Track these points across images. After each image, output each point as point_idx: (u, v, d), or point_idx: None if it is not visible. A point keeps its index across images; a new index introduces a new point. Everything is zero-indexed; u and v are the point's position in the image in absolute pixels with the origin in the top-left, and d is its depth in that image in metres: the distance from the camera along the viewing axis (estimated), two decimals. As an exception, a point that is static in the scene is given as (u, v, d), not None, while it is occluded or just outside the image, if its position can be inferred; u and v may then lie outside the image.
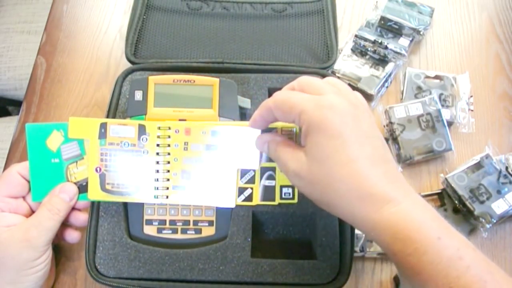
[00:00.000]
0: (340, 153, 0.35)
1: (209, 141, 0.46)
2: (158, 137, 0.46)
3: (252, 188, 0.46)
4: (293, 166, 0.38)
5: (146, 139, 0.46)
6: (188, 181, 0.46)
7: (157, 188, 0.46)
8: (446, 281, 0.32)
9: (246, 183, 0.46)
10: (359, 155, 0.35)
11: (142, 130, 0.46)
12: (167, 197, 0.46)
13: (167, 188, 0.46)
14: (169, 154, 0.46)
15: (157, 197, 0.46)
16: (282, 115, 0.38)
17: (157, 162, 0.46)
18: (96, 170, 0.46)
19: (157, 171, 0.46)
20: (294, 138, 0.45)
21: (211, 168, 0.46)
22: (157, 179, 0.46)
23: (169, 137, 0.46)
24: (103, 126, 0.45)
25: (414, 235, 0.33)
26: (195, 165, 0.46)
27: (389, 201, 0.34)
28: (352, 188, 0.35)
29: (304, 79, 0.39)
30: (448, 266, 0.32)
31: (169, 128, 0.46)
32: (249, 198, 0.46)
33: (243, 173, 0.46)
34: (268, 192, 0.46)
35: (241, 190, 0.46)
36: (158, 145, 0.46)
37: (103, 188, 0.46)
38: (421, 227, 0.33)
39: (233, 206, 0.46)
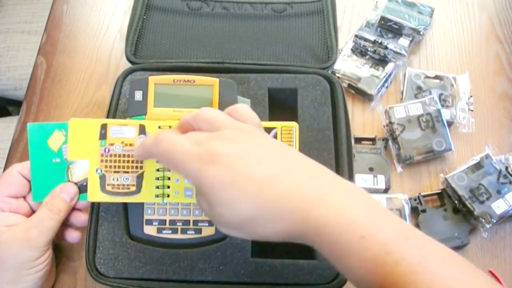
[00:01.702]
0: (242, 193, 0.33)
1: None
2: None
3: None
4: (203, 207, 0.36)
5: None
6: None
7: (158, 188, 0.46)
8: (376, 281, 0.30)
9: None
10: (260, 182, 0.33)
11: (142, 130, 0.46)
12: (168, 196, 0.46)
13: (168, 187, 0.46)
14: None
15: (158, 197, 0.46)
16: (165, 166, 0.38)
17: (157, 161, 0.46)
18: (97, 171, 0.46)
19: (158, 170, 0.46)
20: (293, 138, 0.45)
21: None
22: (158, 178, 0.46)
23: None
24: (103, 127, 0.45)
25: (336, 238, 0.32)
26: None
27: (309, 209, 0.32)
28: (271, 216, 0.33)
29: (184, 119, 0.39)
30: (375, 265, 0.30)
31: (169, 127, 0.46)
32: None
33: None
34: None
35: None
36: None
37: (103, 189, 0.46)
38: (344, 227, 0.31)
39: None
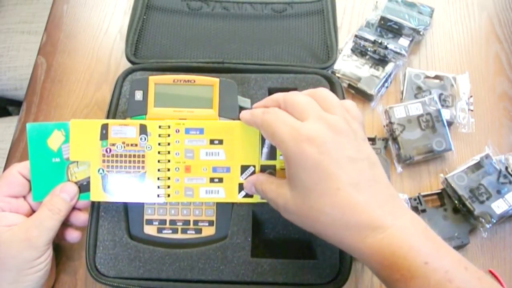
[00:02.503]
0: (321, 185, 0.34)
1: (209, 138, 0.46)
2: (159, 136, 0.46)
3: None
4: (280, 202, 0.38)
5: (147, 138, 0.46)
6: (189, 178, 0.46)
7: (159, 187, 0.46)
8: None
9: (246, 178, 0.46)
10: (341, 185, 0.34)
11: (143, 130, 0.46)
12: (168, 195, 0.46)
13: (169, 187, 0.46)
14: (169, 152, 0.46)
15: (159, 196, 0.46)
16: (266, 137, 0.39)
17: (158, 161, 0.46)
18: (99, 172, 0.46)
19: (158, 170, 0.46)
20: None
21: (212, 165, 0.46)
22: (159, 178, 0.46)
23: (169, 135, 0.46)
24: (104, 127, 0.45)
25: (400, 261, 0.33)
26: (195, 162, 0.46)
27: (375, 228, 0.34)
28: (337, 218, 0.34)
29: (290, 99, 0.39)
30: None
31: (169, 127, 0.46)
32: (249, 194, 0.46)
33: (243, 169, 0.46)
34: None
35: (241, 187, 0.46)
36: (159, 144, 0.46)
37: (105, 189, 0.46)
38: (408, 252, 0.33)
39: (234, 200, 0.46)
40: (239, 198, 0.46)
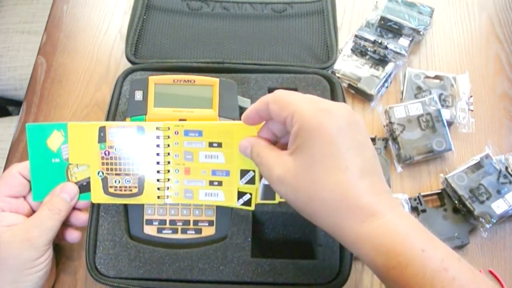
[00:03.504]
0: (330, 161, 0.34)
1: (208, 141, 0.46)
2: (158, 137, 0.46)
3: (251, 194, 0.46)
4: (278, 170, 0.36)
5: (145, 140, 0.45)
6: (188, 181, 0.46)
7: (159, 189, 0.46)
8: None
9: (246, 183, 0.46)
10: (349, 165, 0.34)
11: (141, 131, 0.45)
12: (168, 197, 0.46)
13: (168, 188, 0.46)
14: (168, 154, 0.46)
15: (160, 198, 0.46)
16: (277, 111, 0.37)
17: (158, 163, 0.46)
18: (98, 174, 0.46)
19: (158, 171, 0.46)
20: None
21: (211, 168, 0.46)
22: (158, 180, 0.46)
23: (168, 137, 0.46)
24: (102, 130, 0.45)
25: (397, 248, 0.33)
26: (195, 165, 0.46)
27: (373, 213, 0.33)
28: (338, 198, 0.34)
29: (279, 95, 0.38)
30: (433, 278, 0.31)
31: (168, 129, 0.46)
32: (248, 202, 0.46)
33: (243, 173, 0.46)
34: (268, 191, 0.46)
35: (240, 195, 0.46)
36: (158, 145, 0.46)
37: (106, 191, 0.46)
38: (405, 239, 0.33)
39: (233, 206, 0.46)
40: (238, 205, 0.46)
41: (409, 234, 0.33)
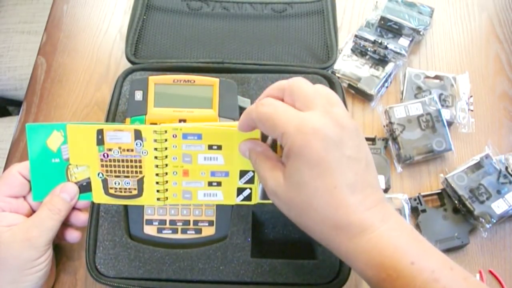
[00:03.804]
0: (319, 182, 0.34)
1: (208, 144, 0.46)
2: (155, 141, 0.45)
3: (251, 189, 0.46)
4: (270, 184, 0.37)
5: (143, 144, 0.45)
6: (187, 182, 0.46)
7: (158, 191, 0.46)
8: None
9: (245, 183, 0.46)
10: (338, 183, 0.34)
11: (138, 135, 0.45)
12: (167, 198, 0.46)
13: (167, 190, 0.46)
14: (166, 157, 0.45)
15: (159, 200, 0.46)
16: (266, 131, 0.37)
17: (156, 166, 0.46)
18: (98, 175, 0.46)
19: (157, 174, 0.46)
20: None
21: (210, 169, 0.46)
22: (157, 182, 0.46)
23: (165, 140, 0.45)
24: (100, 132, 0.45)
25: (386, 261, 0.33)
26: (194, 167, 0.46)
27: (364, 229, 0.34)
28: (328, 216, 0.34)
29: (296, 85, 0.37)
30: None
31: (166, 132, 0.45)
32: (248, 197, 0.46)
33: (242, 174, 0.46)
34: None
35: (240, 190, 0.46)
36: (155, 149, 0.45)
37: (106, 192, 0.46)
38: (394, 253, 0.33)
39: (232, 203, 0.46)
40: (237, 201, 0.46)
41: (399, 247, 0.33)
